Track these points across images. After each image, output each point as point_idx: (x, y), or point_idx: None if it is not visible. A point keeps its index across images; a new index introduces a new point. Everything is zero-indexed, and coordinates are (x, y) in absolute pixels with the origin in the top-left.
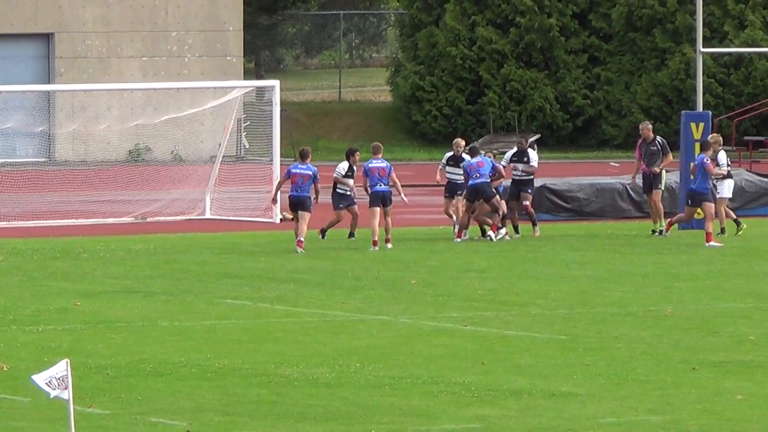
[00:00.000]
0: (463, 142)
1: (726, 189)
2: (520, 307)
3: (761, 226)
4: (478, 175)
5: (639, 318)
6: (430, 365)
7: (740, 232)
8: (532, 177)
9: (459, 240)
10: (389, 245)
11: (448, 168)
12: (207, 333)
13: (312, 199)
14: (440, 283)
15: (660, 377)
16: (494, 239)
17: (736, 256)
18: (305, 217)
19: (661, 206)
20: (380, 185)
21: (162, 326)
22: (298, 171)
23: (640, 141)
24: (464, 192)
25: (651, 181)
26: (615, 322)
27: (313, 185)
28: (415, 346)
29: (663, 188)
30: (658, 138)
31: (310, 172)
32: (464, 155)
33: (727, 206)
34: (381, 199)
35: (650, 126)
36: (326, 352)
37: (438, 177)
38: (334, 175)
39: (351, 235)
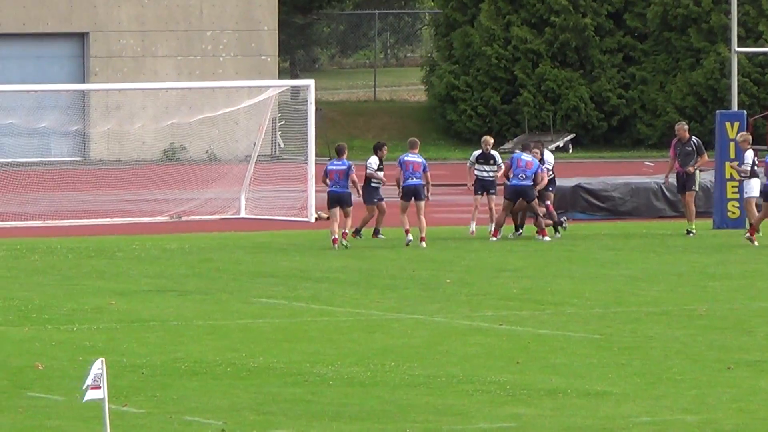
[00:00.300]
0: (491, 140)
1: (753, 188)
2: (554, 306)
3: None
4: (524, 176)
5: (674, 317)
6: (465, 364)
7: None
8: (552, 176)
9: (495, 239)
10: (424, 244)
11: (477, 166)
12: (242, 332)
13: (352, 194)
14: (475, 282)
15: (695, 376)
16: (553, 237)
17: None
18: (348, 212)
19: (694, 207)
20: (413, 179)
21: (197, 325)
22: (334, 167)
23: (675, 140)
24: (493, 189)
25: (685, 180)
26: (650, 321)
27: (349, 179)
28: (450, 345)
29: (697, 188)
30: (694, 138)
31: (345, 167)
32: (492, 152)
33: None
34: (413, 193)
35: (686, 126)
36: (361, 351)
37: (468, 179)
38: (368, 171)
39: (377, 232)
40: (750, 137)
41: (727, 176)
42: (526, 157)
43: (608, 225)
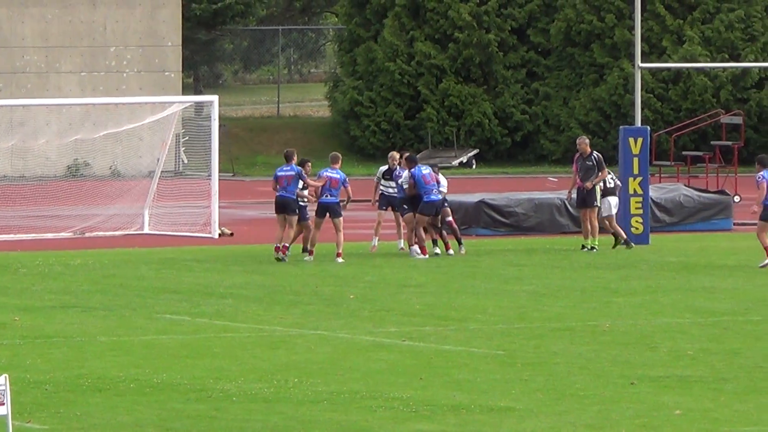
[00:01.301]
0: (398, 155)
1: (609, 206)
2: (458, 322)
3: (699, 240)
4: (437, 191)
5: (577, 333)
6: (369, 380)
7: (616, 248)
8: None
9: (426, 256)
10: (340, 259)
11: (383, 182)
12: (145, 348)
13: (298, 201)
14: (378, 298)
15: (598, 392)
16: (420, 256)
17: (674, 271)
18: (292, 221)
19: (597, 224)
20: (328, 195)
21: (100, 341)
22: (283, 173)
23: (577, 155)
24: (404, 206)
25: (585, 196)
26: (553, 337)
27: (298, 187)
28: (353, 361)
29: (599, 204)
30: (595, 153)
31: (293, 173)
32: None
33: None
34: (326, 210)
35: (587, 140)
36: (264, 367)
37: (373, 195)
38: (297, 189)
39: (305, 250)
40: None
41: (631, 192)
42: (425, 170)
43: (512, 241)
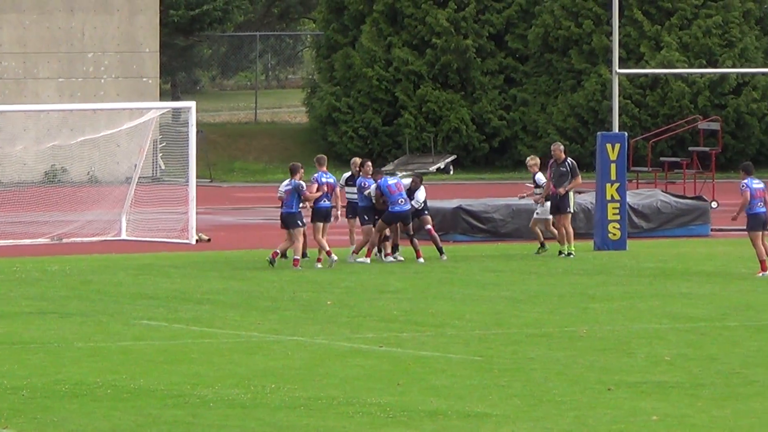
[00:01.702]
0: (359, 161)
1: (543, 210)
2: (435, 328)
3: (676, 246)
4: (402, 200)
5: (554, 339)
6: (346, 386)
7: (540, 253)
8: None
9: (368, 260)
10: (319, 265)
11: (347, 188)
12: (122, 354)
13: (301, 213)
14: (356, 304)
15: (575, 398)
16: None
17: (651, 277)
18: (297, 234)
19: (571, 229)
20: (324, 200)
21: (77, 347)
22: (284, 189)
23: (551, 161)
24: (365, 217)
25: (558, 202)
26: (530, 342)
27: (298, 197)
28: (330, 366)
29: (572, 210)
30: (569, 159)
31: (290, 188)
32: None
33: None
34: (325, 215)
35: (562, 147)
36: (242, 373)
37: (339, 201)
38: (279, 195)
39: (284, 256)
40: (538, 161)
41: (608, 197)
42: (392, 181)
43: (489, 246)
